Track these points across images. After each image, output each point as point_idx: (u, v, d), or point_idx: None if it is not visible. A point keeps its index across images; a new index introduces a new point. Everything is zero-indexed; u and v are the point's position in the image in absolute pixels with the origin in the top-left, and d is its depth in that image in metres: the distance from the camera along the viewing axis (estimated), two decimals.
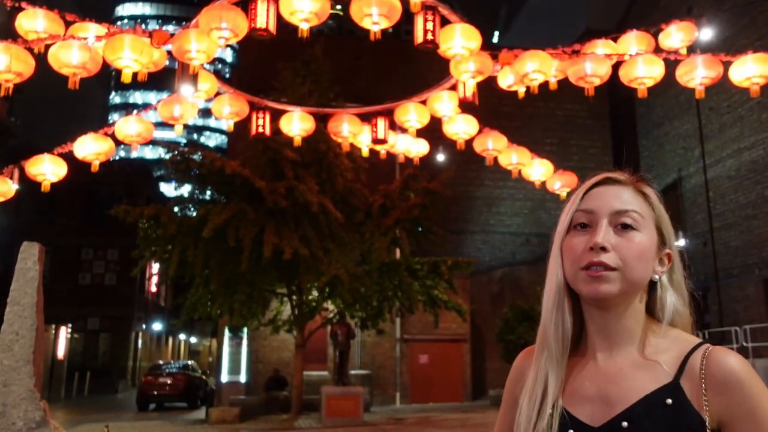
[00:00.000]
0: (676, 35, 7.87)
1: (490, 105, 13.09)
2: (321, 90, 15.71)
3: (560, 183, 11.15)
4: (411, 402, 19.90)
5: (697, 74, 7.09)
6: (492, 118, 12.70)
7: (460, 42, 6.70)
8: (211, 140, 76.52)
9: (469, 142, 9.33)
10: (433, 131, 9.29)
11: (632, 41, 7.81)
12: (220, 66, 71.73)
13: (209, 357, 46.90)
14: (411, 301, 15.42)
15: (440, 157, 15.58)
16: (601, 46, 7.73)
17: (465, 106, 8.20)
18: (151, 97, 70.27)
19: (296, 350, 15.83)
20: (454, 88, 8.38)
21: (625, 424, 0.95)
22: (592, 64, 7.13)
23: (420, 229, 15.49)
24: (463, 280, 18.93)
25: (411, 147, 10.05)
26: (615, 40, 7.93)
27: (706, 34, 9.61)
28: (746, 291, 20.04)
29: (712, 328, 20.37)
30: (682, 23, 7.93)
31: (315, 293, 15.57)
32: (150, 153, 63.83)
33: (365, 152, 9.71)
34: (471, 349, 20.86)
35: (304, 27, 6.12)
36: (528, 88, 7.55)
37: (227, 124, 8.82)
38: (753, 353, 17.07)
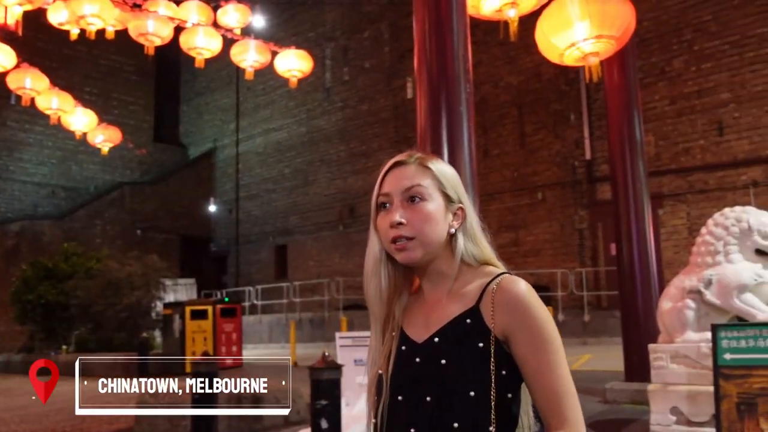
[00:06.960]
0: (233, 14, 8.41)
1: (26, 37, 11.63)
2: None
3: (103, 137, 10.73)
4: None
5: (249, 56, 7.75)
6: (26, 52, 11.33)
7: None
8: None
9: (2, 76, 8.21)
10: None
11: (193, 9, 8.04)
12: None
13: None
14: None
15: None
16: (164, 7, 7.74)
17: (4, 35, 7.17)
18: None
19: None
20: None
21: (436, 339, 1.24)
22: (155, 23, 7.10)
23: None
24: None
25: None
26: (178, 3, 8.03)
27: (259, 21, 10.54)
28: (261, 255, 22.64)
29: (230, 288, 22.39)
30: (239, 4, 8.51)
31: None
32: None
33: None
34: None
35: None
36: (83, 31, 7.06)
37: None
38: (261, 310, 19.45)
